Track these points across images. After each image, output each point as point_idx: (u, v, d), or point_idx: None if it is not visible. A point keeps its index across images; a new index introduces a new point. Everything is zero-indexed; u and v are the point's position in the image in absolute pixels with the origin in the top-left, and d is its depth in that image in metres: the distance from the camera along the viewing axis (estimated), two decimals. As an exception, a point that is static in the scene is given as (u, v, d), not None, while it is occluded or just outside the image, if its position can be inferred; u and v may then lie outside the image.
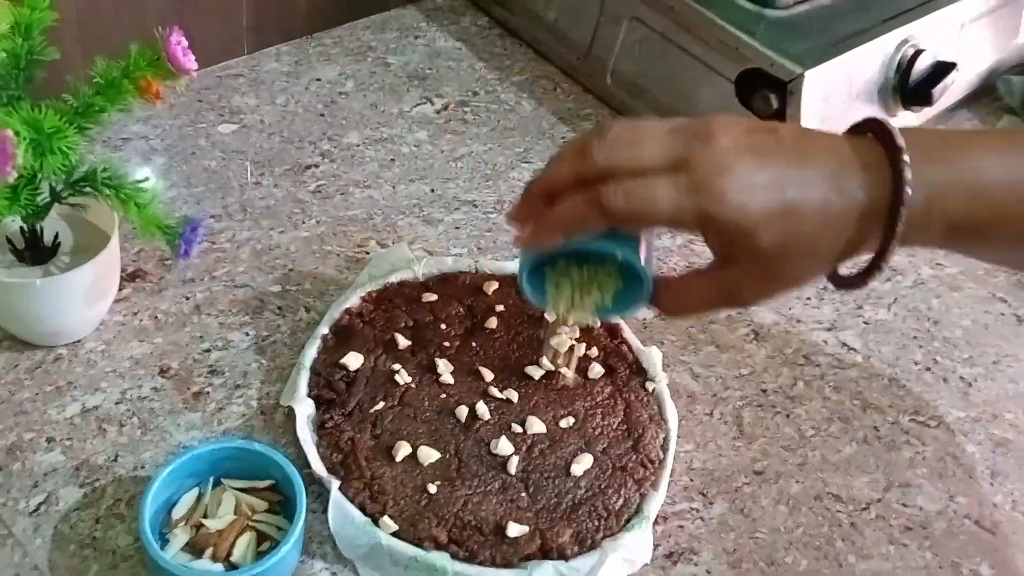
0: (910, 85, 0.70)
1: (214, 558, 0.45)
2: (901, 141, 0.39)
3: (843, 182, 0.40)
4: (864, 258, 0.41)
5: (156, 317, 0.58)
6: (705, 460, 0.55)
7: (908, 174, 0.39)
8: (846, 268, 0.43)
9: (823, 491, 0.54)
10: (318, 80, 0.76)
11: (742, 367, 0.60)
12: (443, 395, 0.53)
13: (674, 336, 0.61)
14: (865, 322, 0.64)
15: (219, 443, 0.49)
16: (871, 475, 0.55)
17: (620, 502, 0.50)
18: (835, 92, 0.67)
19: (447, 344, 0.56)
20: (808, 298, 0.65)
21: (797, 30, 0.68)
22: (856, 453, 0.56)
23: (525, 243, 0.44)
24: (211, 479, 0.48)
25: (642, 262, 0.43)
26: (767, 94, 0.66)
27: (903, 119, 0.73)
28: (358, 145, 0.71)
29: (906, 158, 0.39)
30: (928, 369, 0.62)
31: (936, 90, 0.70)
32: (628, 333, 0.58)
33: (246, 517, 0.46)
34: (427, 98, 0.76)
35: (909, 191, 0.39)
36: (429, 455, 0.50)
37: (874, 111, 0.71)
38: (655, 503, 0.50)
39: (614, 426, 0.53)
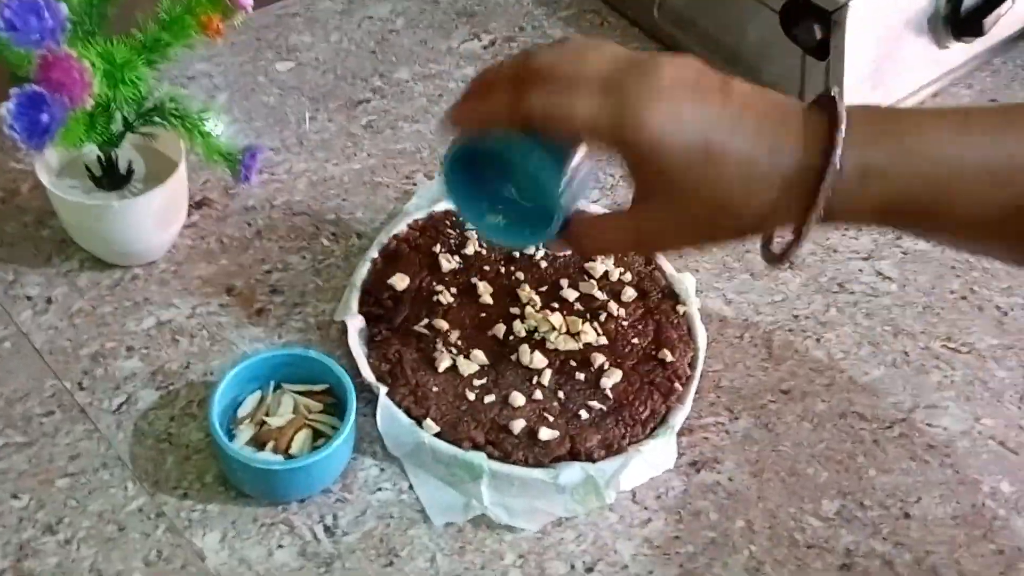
0: (962, 14, 0.69)
1: (275, 450, 0.50)
2: (843, 113, 0.37)
3: (775, 142, 0.38)
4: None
5: (222, 241, 0.63)
6: (733, 379, 0.57)
7: (840, 147, 0.37)
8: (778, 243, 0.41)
9: (848, 410, 0.56)
10: (370, 18, 0.78)
11: (775, 294, 0.62)
12: (482, 314, 0.57)
13: (709, 264, 0.63)
14: (903, 252, 0.65)
15: (279, 350, 0.53)
16: (897, 396, 0.57)
17: (646, 413, 0.53)
18: (882, 22, 0.67)
19: (487, 268, 0.59)
20: (846, 227, 0.66)
21: (843, -43, 0.67)
22: (884, 375, 0.58)
23: (446, 128, 0.43)
24: (272, 383, 0.53)
25: (562, 184, 0.41)
26: (811, 24, 0.65)
27: (955, 50, 0.72)
28: (407, 81, 0.74)
29: (842, 129, 0.37)
30: (964, 298, 0.62)
31: (988, 20, 0.68)
32: (662, 259, 0.60)
33: (303, 416, 0.51)
34: (475, 34, 0.78)
35: (838, 164, 0.37)
36: (468, 367, 0.54)
37: (923, 42, 0.70)
38: (680, 415, 0.53)
39: (643, 345, 0.56)
